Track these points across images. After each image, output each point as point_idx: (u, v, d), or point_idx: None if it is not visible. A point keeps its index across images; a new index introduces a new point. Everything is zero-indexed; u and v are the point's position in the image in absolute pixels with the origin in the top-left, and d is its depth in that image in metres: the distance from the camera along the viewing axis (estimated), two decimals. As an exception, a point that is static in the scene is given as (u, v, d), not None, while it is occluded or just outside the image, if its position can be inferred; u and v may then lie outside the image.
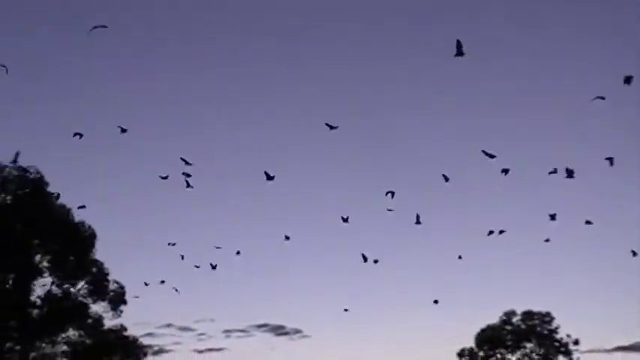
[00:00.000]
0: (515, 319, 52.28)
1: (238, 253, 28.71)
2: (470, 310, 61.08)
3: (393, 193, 23.84)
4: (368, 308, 61.49)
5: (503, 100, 73.33)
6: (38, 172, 33.39)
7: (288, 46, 77.33)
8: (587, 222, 25.67)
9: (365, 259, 26.75)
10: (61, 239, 33.31)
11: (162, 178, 25.71)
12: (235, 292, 59.46)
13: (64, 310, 33.26)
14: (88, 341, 33.68)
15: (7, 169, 33.18)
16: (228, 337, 52.93)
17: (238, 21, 74.96)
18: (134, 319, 35.50)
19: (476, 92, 72.29)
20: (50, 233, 33.19)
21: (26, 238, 33.06)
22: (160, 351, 38.12)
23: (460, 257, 29.65)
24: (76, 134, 24.33)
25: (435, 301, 31.67)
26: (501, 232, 25.99)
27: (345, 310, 33.78)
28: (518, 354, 51.85)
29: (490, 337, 51.76)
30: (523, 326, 51.97)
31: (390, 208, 24.61)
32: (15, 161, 22.78)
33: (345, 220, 25.74)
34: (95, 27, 19.68)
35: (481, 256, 63.46)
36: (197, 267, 29.58)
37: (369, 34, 75.94)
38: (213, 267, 28.90)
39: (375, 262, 27.15)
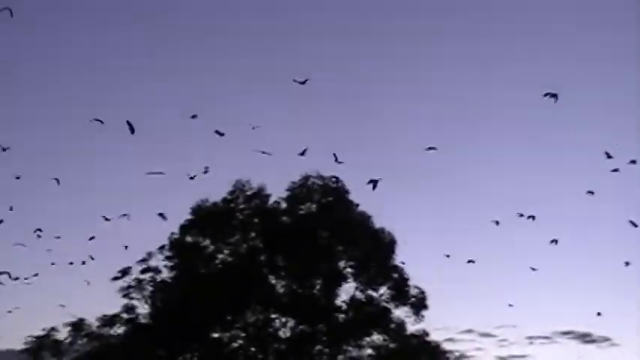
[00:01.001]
0: None
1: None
2: None
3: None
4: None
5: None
6: (340, 182, 34.54)
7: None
8: None
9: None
10: (363, 246, 34.18)
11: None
12: (538, 297, 57.11)
13: (368, 315, 34.04)
14: (391, 345, 34.09)
15: (311, 179, 34.73)
16: (531, 343, 50.80)
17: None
18: (435, 324, 35.15)
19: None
20: (353, 240, 34.18)
21: (331, 245, 34.37)
22: (461, 357, 37.61)
23: None
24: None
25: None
26: None
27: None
28: None
29: None
30: None
31: None
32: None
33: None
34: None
35: None
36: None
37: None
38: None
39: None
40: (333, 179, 34.51)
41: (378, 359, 34.06)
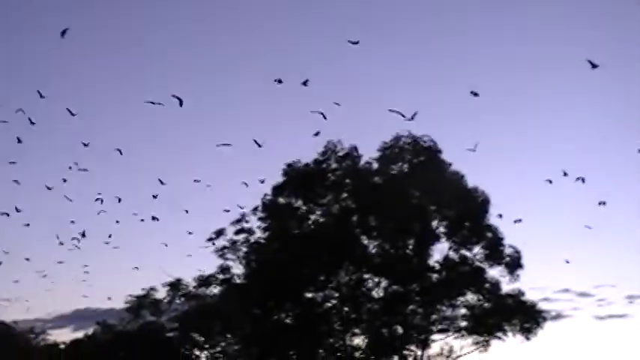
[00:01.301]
0: None
1: None
2: None
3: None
4: None
5: None
6: (432, 141, 34.25)
7: None
8: None
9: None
10: (456, 205, 33.81)
11: None
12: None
13: (462, 275, 33.70)
14: (486, 305, 33.74)
15: (403, 139, 34.48)
16: (631, 303, 48.90)
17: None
18: (530, 284, 34.39)
19: None
20: (446, 200, 33.84)
21: (423, 204, 34.13)
22: (558, 316, 36.83)
23: None
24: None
25: None
26: None
27: None
28: None
29: None
30: None
31: None
32: None
33: None
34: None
35: None
36: None
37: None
38: None
39: None
40: (425, 139, 34.20)
41: (473, 319, 33.78)
